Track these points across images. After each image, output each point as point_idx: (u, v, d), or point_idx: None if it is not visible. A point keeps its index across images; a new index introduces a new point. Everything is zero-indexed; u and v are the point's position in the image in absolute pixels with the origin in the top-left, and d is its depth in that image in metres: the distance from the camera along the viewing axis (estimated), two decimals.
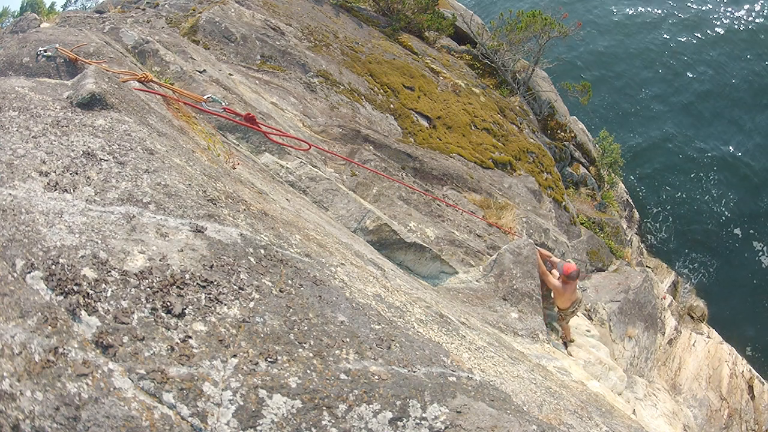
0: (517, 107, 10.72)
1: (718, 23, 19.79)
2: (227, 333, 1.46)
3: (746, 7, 20.09)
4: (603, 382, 5.03)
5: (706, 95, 17.65)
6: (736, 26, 19.39)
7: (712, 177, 15.55)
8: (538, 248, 5.70)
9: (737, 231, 14.35)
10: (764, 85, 17.52)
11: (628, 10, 21.17)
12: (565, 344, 5.48)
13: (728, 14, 20.08)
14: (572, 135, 12.33)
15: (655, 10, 20.89)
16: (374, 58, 8.19)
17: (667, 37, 19.67)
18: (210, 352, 1.39)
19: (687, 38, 19.49)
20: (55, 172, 1.69)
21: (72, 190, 1.65)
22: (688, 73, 18.32)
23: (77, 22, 6.14)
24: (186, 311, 1.45)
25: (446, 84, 9.05)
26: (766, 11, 19.75)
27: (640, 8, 21.12)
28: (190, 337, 1.40)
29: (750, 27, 19.29)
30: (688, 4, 20.68)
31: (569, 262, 5.51)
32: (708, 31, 19.57)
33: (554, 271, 5.56)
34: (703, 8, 20.42)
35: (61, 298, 1.33)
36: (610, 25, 20.59)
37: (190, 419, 1.27)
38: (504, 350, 2.87)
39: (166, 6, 7.14)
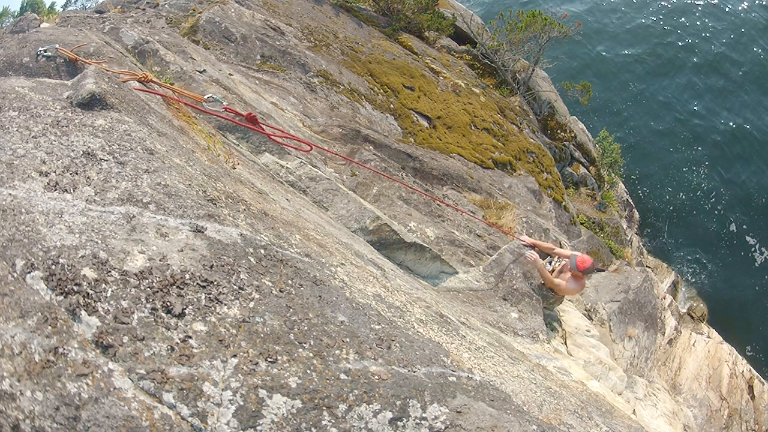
0: (517, 107, 10.72)
1: (724, 20, 19.75)
2: (227, 333, 1.46)
3: (755, 4, 20.05)
4: (603, 382, 5.02)
5: (707, 96, 17.65)
6: (742, 25, 19.33)
7: (713, 178, 15.55)
8: (539, 242, 5.63)
9: (738, 232, 14.35)
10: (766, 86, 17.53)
11: (629, 9, 21.16)
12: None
13: (737, 11, 20.03)
14: (572, 135, 12.33)
15: (659, 10, 20.87)
16: (374, 58, 8.19)
17: (670, 36, 19.66)
18: (210, 352, 1.39)
19: (689, 38, 19.47)
20: (55, 172, 1.69)
21: (72, 190, 1.65)
22: (689, 75, 18.31)
23: (77, 22, 6.14)
24: (186, 311, 1.45)
25: (446, 84, 9.05)
26: None
27: (641, 8, 21.11)
28: (190, 337, 1.40)
29: (757, 26, 19.23)
30: (695, 4, 20.66)
31: (582, 255, 5.04)
32: (712, 30, 19.53)
33: (557, 265, 5.45)
34: (709, 7, 20.39)
35: (61, 298, 1.33)
36: (611, 25, 20.58)
37: (190, 419, 1.27)
38: (504, 350, 2.87)
39: (166, 6, 7.14)
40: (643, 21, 20.36)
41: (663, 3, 20.67)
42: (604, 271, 9.00)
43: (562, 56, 14.11)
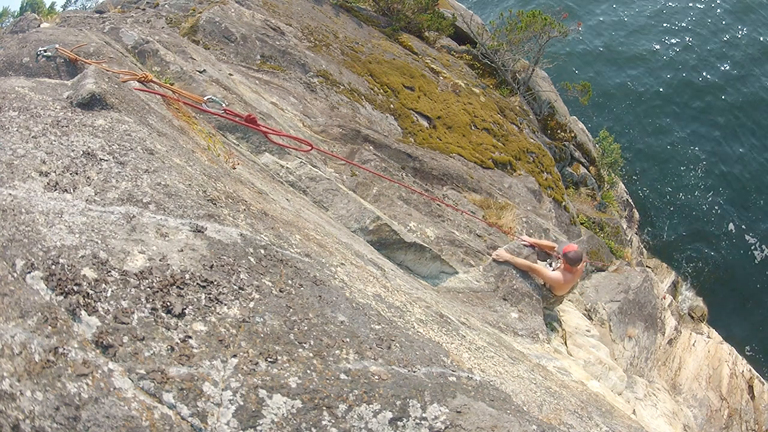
0: (517, 107, 10.72)
1: (727, 27, 19.74)
2: (227, 333, 1.46)
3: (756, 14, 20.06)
4: (603, 382, 5.02)
5: (707, 97, 17.65)
6: (747, 46, 19.29)
7: (713, 177, 15.57)
8: (539, 242, 5.63)
9: (738, 231, 14.36)
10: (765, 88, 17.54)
11: (631, 9, 21.16)
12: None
13: (740, 18, 20.01)
14: (572, 135, 12.33)
15: (661, 11, 20.86)
16: (374, 58, 8.19)
17: (670, 37, 19.65)
18: (210, 352, 1.39)
19: (690, 39, 19.46)
20: (55, 172, 1.69)
21: (72, 190, 1.65)
22: (689, 76, 18.32)
23: (77, 22, 6.14)
24: (186, 311, 1.45)
25: (446, 84, 9.05)
26: None
27: (642, 7, 21.11)
28: (190, 337, 1.40)
29: (761, 48, 19.19)
30: (698, 8, 20.64)
31: (570, 243, 5.28)
32: (714, 34, 19.52)
33: (545, 261, 5.49)
34: (713, 12, 20.38)
35: (61, 298, 1.33)
36: (613, 26, 20.58)
37: (190, 419, 1.27)
38: (504, 350, 2.87)
39: (166, 6, 7.14)
40: (653, 19, 20.34)
41: (668, 23, 20.61)
42: (603, 270, 9.01)
43: (562, 56, 14.11)
